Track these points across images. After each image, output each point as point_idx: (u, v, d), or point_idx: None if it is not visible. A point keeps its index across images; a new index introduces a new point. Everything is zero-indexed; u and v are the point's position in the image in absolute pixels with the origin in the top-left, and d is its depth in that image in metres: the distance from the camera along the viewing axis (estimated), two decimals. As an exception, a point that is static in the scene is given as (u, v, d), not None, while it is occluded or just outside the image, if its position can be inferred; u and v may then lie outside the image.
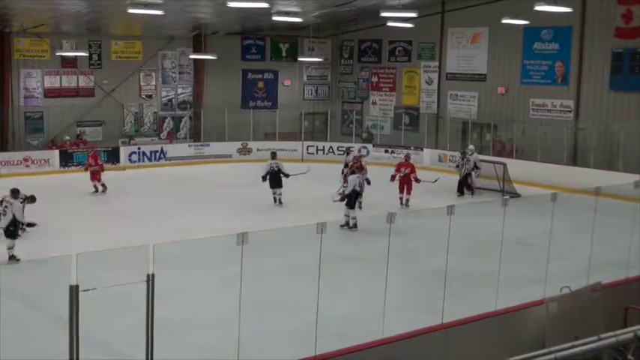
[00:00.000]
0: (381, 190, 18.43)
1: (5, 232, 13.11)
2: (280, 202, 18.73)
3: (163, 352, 6.87)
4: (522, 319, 9.25)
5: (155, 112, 27.86)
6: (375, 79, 29.35)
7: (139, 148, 25.57)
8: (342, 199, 16.35)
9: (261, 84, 29.41)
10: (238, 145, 26.97)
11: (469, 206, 16.46)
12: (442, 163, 24.80)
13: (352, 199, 16.13)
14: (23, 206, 13.48)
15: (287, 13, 21.30)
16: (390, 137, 28.11)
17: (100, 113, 26.37)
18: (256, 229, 7.69)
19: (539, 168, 21.89)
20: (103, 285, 6.29)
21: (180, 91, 28.31)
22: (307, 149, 27.23)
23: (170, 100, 28.16)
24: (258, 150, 26.58)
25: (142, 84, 27.41)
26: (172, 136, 27.92)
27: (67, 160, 23.75)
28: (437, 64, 27.21)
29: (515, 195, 19.29)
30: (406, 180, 18.73)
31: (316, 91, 30.45)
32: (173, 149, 26.27)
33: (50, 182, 20.60)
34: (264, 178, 18.71)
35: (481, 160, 21.05)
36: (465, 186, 20.46)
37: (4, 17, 22.47)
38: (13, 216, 13.08)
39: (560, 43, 23.72)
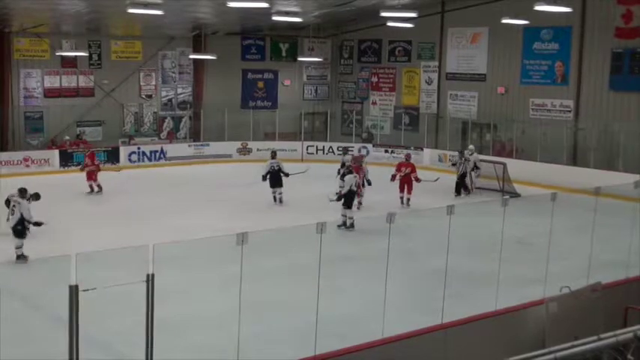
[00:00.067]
0: (381, 190, 18.44)
1: (14, 231, 13.16)
2: (281, 201, 18.75)
3: (163, 352, 6.87)
4: (522, 319, 9.25)
5: (155, 112, 27.86)
6: (374, 79, 29.35)
7: (138, 148, 25.58)
8: (338, 199, 16.35)
9: (261, 84, 29.41)
10: (238, 145, 26.98)
11: (469, 206, 16.45)
12: (442, 163, 24.78)
13: (349, 199, 16.13)
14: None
15: (287, 13, 21.30)
16: (390, 137, 28.11)
17: (99, 113, 26.37)
18: (256, 229, 7.70)
19: (539, 168, 21.89)
20: (102, 285, 6.29)
21: (180, 91, 28.31)
22: (307, 149, 27.23)
23: (170, 100, 28.16)
24: (258, 150, 26.59)
25: (141, 84, 27.41)
26: (172, 136, 27.92)
27: (66, 160, 23.75)
28: (437, 64, 27.21)
29: (515, 195, 19.29)
30: (407, 179, 18.74)
31: (316, 91, 30.44)
32: (173, 149, 26.27)
33: (50, 182, 20.56)
34: (264, 178, 18.74)
35: (481, 160, 21.05)
36: (462, 187, 20.45)
37: (4, 17, 22.47)
38: (21, 215, 13.13)
39: (560, 43, 23.72)
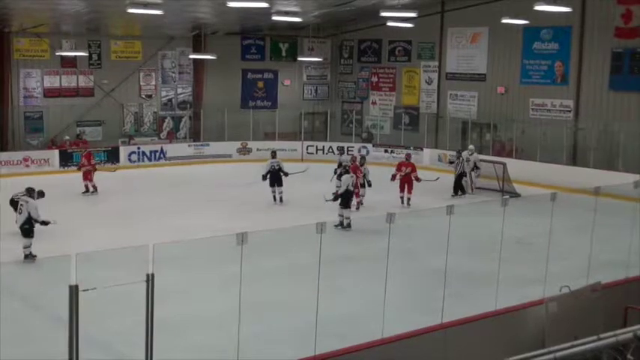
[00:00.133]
0: (381, 190, 18.44)
1: (21, 230, 13.18)
2: (281, 200, 18.77)
3: (163, 352, 6.87)
4: (522, 319, 9.25)
5: (155, 112, 27.85)
6: (374, 79, 29.35)
7: (138, 148, 25.58)
8: (335, 199, 16.34)
9: (260, 84, 29.41)
10: (238, 144, 26.97)
11: (469, 206, 16.45)
12: (442, 162, 24.75)
13: (346, 198, 16.12)
14: None
15: (287, 13, 21.31)
16: (390, 137, 28.11)
17: (99, 113, 26.37)
18: (256, 229, 7.71)
19: (539, 168, 21.89)
20: (102, 285, 6.29)
21: (179, 90, 28.31)
22: (307, 149, 27.23)
23: (170, 100, 28.16)
24: (257, 150, 26.59)
25: (141, 84, 27.41)
26: (172, 136, 27.92)
27: (66, 159, 23.74)
28: (437, 63, 27.21)
29: (514, 195, 19.30)
30: (407, 179, 18.74)
31: (316, 90, 30.44)
32: (173, 149, 26.27)
33: (50, 182, 20.50)
34: (264, 177, 18.78)
35: (481, 160, 21.06)
36: (459, 187, 20.42)
37: (4, 17, 22.47)
38: (29, 214, 13.14)
39: (559, 43, 23.72)
